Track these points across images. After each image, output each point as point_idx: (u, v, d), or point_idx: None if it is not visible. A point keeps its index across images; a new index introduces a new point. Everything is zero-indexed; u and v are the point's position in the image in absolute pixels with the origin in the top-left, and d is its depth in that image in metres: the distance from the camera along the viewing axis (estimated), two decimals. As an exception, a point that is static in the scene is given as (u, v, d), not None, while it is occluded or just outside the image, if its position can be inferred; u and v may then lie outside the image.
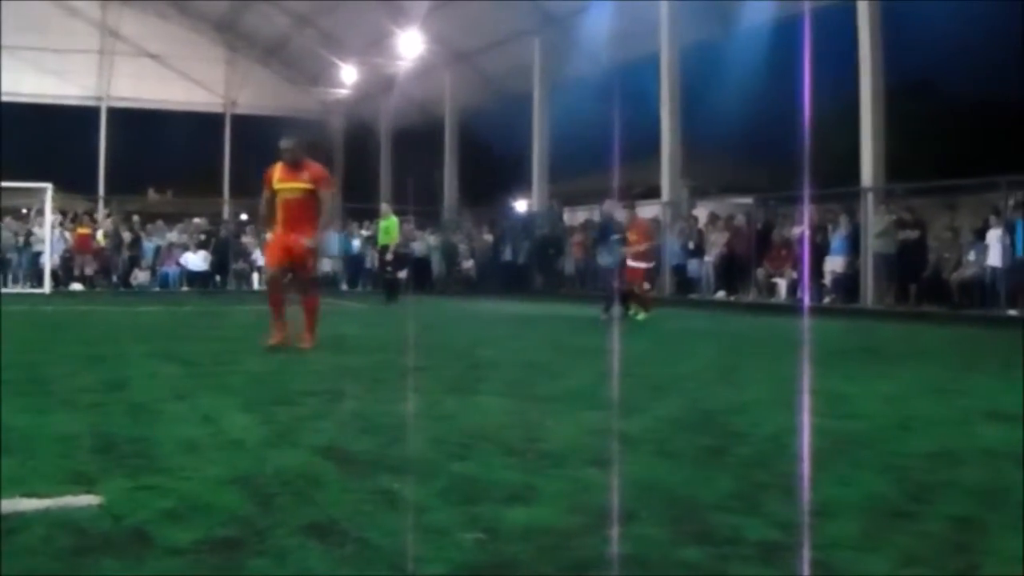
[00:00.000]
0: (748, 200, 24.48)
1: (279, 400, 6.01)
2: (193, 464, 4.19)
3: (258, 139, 37.53)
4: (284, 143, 9.74)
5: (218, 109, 38.65)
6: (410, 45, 31.15)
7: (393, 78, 35.11)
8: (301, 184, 9.63)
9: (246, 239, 29.94)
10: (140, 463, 4.17)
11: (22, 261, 26.33)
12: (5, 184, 24.31)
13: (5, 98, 32.01)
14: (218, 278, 28.86)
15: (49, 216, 25.27)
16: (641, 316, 15.70)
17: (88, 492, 3.66)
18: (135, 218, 29.65)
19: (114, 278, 27.52)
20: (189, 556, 2.95)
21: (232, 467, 4.13)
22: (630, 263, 15.70)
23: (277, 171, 9.75)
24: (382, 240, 21.75)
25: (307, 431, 5.01)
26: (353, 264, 30.30)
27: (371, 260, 28.53)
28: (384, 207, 22.36)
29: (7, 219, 27.58)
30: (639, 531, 3.29)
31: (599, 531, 3.28)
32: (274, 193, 9.73)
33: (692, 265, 23.73)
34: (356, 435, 4.91)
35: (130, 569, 2.83)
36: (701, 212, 25.84)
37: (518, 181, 33.60)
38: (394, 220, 21.53)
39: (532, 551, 3.06)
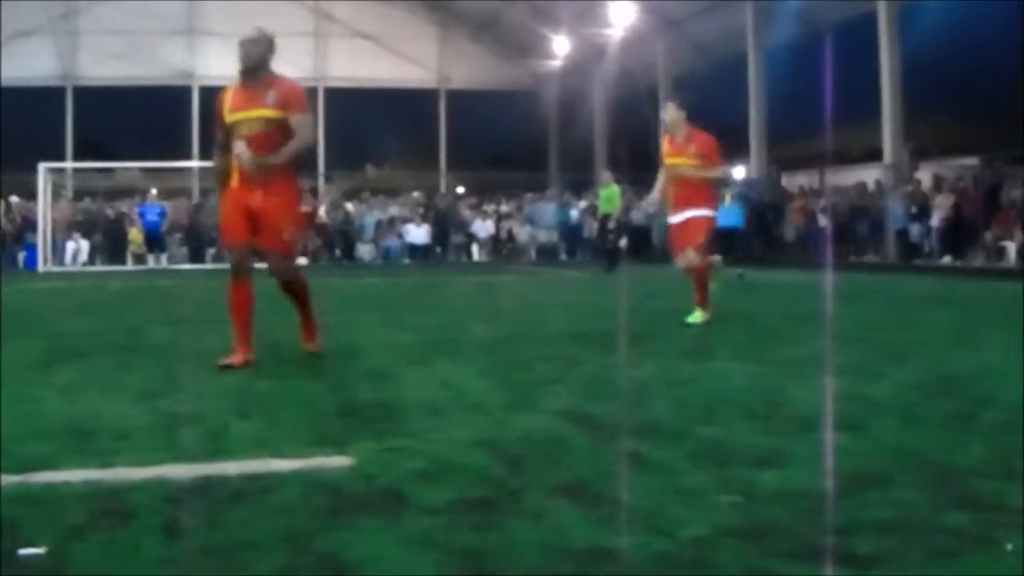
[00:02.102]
0: (973, 161, 23.23)
1: (513, 366, 6.01)
2: (438, 427, 4.21)
3: (472, 113, 38.20)
4: (242, 42, 6.37)
5: (432, 85, 39.35)
6: (621, 14, 30.91)
7: (605, 47, 34.91)
8: (264, 112, 6.23)
9: (464, 211, 30.49)
10: (385, 426, 4.21)
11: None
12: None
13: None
14: (439, 250, 29.46)
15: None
16: (696, 317, 8.74)
17: (338, 454, 3.70)
18: (363, 194, 30.60)
19: (337, 252, 28.43)
20: (445, 516, 2.94)
21: (476, 430, 4.13)
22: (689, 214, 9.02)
23: (229, 96, 6.42)
24: (603, 208, 21.68)
25: (546, 395, 4.97)
26: (571, 234, 30.38)
27: (589, 230, 28.52)
28: (605, 175, 22.30)
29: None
30: (897, 495, 3.13)
31: (856, 495, 3.12)
32: (227, 129, 6.35)
33: (915, 230, 22.68)
34: (595, 399, 4.84)
35: (388, 527, 2.83)
36: (924, 175, 24.66)
37: (734, 147, 32.92)
38: (615, 188, 21.45)
39: (790, 514, 2.94)
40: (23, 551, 2.68)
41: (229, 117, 6.30)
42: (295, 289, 6.47)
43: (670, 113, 9.08)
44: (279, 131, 6.23)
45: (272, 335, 7.16)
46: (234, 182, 6.29)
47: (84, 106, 34.19)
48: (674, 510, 2.98)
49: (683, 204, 8.98)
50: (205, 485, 3.31)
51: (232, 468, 3.53)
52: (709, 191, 9.17)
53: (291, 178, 6.44)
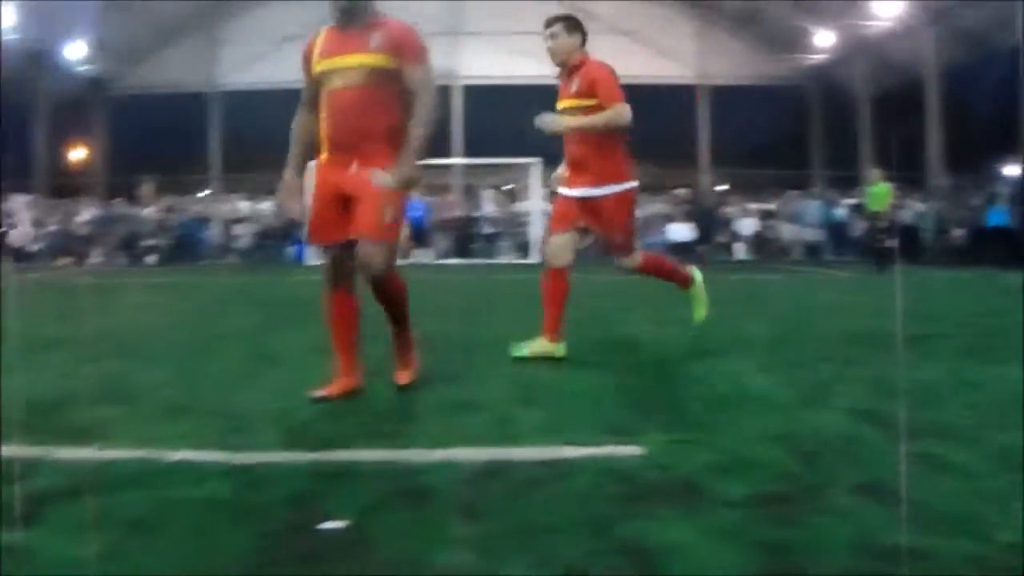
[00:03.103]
0: None
1: (794, 363, 5.84)
2: (726, 421, 4.14)
3: (733, 109, 37.61)
4: None
5: (691, 81, 39.00)
6: (887, 6, 29.80)
7: (869, 40, 33.69)
8: (369, 59, 4.75)
9: (727, 209, 30.08)
10: (671, 418, 4.17)
11: (508, 234, 28.08)
12: (494, 160, 25.94)
13: (480, 81, 34.36)
14: (701, 248, 29.16)
15: (537, 190, 26.68)
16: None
17: (628, 444, 3.68)
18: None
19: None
20: (744, 509, 2.89)
21: (766, 425, 4.02)
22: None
23: (320, 41, 4.93)
24: (873, 207, 20.91)
25: (832, 393, 4.81)
26: (837, 233, 29.46)
27: (856, 229, 27.59)
28: (874, 172, 21.48)
29: (491, 193, 29.48)
30: None
31: None
32: (316, 83, 4.90)
33: None
34: (882, 398, 4.64)
35: (686, 518, 2.79)
36: None
37: (1006, 141, 31.08)
38: (885, 186, 20.63)
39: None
40: (324, 525, 2.78)
41: (317, 66, 4.84)
42: (390, 293, 4.86)
43: (558, 42, 6.46)
44: (388, 84, 4.73)
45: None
46: (323, 154, 4.84)
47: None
48: (984, 514, 2.83)
49: (591, 172, 6.29)
50: (497, 469, 3.36)
51: (523, 454, 3.57)
52: (621, 151, 6.42)
53: (394, 145, 4.70)
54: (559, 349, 6.08)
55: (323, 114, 4.78)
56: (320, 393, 4.69)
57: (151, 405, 4.58)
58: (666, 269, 6.70)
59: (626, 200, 6.33)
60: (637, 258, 6.42)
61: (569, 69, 6.37)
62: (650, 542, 2.57)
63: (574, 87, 6.29)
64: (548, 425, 4.11)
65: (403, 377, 5.04)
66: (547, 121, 6.03)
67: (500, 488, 3.13)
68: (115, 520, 2.82)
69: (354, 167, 4.69)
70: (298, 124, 5.00)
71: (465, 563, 2.44)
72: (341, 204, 4.73)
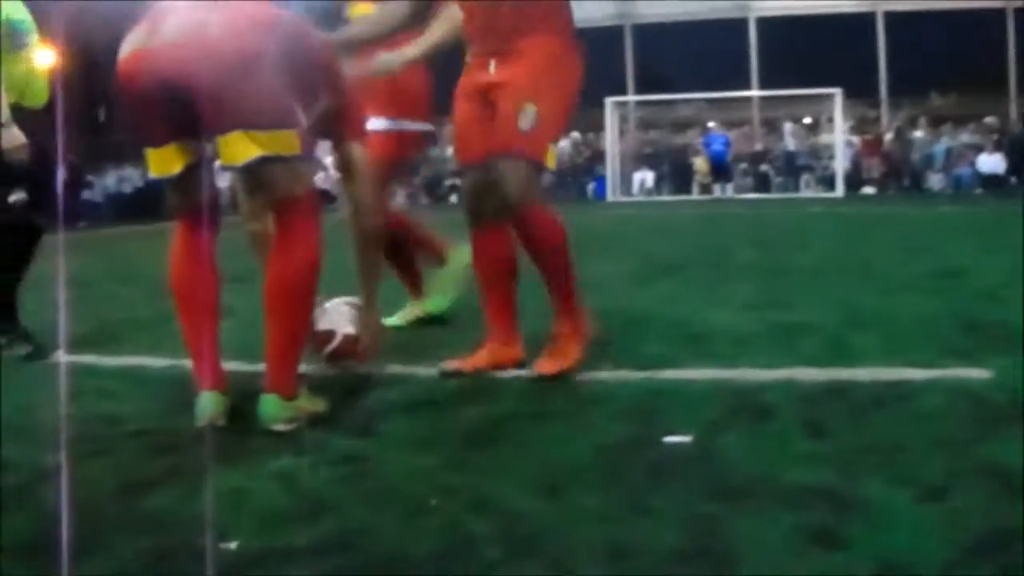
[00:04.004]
0: None
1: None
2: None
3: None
4: None
5: (998, 5, 36.38)
6: None
7: None
8: None
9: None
10: (1009, 344, 3.89)
11: (810, 168, 27.26)
12: (794, 92, 25.22)
13: (774, 12, 33.32)
14: (1013, 180, 27.34)
15: (840, 122, 25.75)
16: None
17: (972, 366, 3.49)
18: (921, 120, 29.16)
19: (905, 182, 27.31)
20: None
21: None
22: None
23: None
24: None
25: None
26: None
27: None
28: None
29: (791, 126, 28.65)
30: None
31: None
32: None
33: None
34: None
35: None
36: None
37: None
38: None
39: None
40: (668, 438, 2.76)
41: None
42: (531, 235, 3.62)
43: None
44: None
45: (865, 259, 6.96)
46: (469, 57, 3.78)
47: (642, 43, 35.39)
48: None
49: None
50: (838, 389, 3.26)
51: (863, 374, 3.44)
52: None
53: (549, 39, 3.63)
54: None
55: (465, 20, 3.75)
56: (453, 366, 3.71)
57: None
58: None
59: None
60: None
61: None
62: (1011, 464, 2.41)
63: None
64: (883, 348, 3.95)
65: (544, 364, 3.62)
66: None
67: (844, 408, 3.02)
68: (456, 433, 2.92)
69: (503, 72, 3.61)
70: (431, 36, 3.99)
71: (818, 480, 2.36)
72: (483, 115, 3.67)
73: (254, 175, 3.08)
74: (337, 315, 3.73)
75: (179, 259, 3.23)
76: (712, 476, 2.44)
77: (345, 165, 3.72)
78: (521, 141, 3.49)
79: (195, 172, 3.13)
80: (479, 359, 3.73)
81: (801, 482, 2.35)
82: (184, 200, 3.19)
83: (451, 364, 3.71)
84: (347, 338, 3.70)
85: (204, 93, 2.89)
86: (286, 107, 3.01)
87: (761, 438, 2.74)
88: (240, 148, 2.94)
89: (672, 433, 2.80)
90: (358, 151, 3.69)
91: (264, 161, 2.96)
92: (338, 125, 3.56)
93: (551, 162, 3.60)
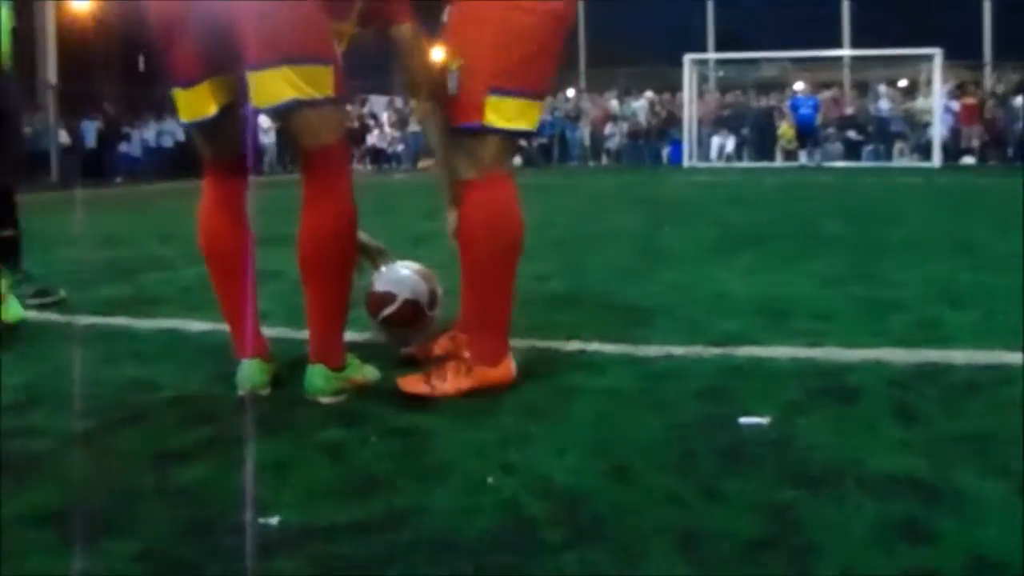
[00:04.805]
0: None
1: None
2: None
3: None
4: None
5: None
6: None
7: None
8: None
9: None
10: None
11: (905, 134, 26.85)
12: (890, 52, 24.88)
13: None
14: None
15: (938, 86, 25.34)
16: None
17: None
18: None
19: (1007, 151, 26.83)
20: None
21: None
22: None
23: None
24: None
25: None
26: None
27: None
28: None
29: (885, 89, 28.25)
30: None
31: None
32: None
33: None
34: None
35: None
36: None
37: None
38: None
39: None
40: (745, 419, 2.74)
41: None
42: (482, 219, 3.15)
43: None
44: None
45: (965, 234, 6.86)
46: None
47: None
48: None
49: None
50: (930, 372, 3.23)
51: (957, 357, 3.40)
52: None
53: None
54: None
55: None
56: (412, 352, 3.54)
57: (538, 297, 4.70)
58: None
59: None
60: None
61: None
62: None
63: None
64: (979, 329, 3.92)
65: (408, 382, 3.08)
66: None
67: (935, 392, 2.98)
68: (516, 406, 2.92)
69: None
70: None
71: (906, 468, 2.33)
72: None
73: (285, 119, 3.01)
74: (399, 278, 3.70)
75: (211, 216, 3.19)
76: (791, 461, 2.42)
77: (402, 47, 3.27)
78: (456, 109, 3.13)
79: (230, 116, 3.06)
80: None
81: (887, 470, 2.32)
82: (218, 149, 3.15)
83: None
84: (408, 304, 3.65)
85: (239, 20, 2.84)
86: (322, 37, 2.93)
87: (845, 422, 2.71)
88: (274, 88, 2.87)
89: (749, 414, 2.78)
90: (409, 29, 3.26)
91: (298, 105, 2.89)
92: (383, 8, 3.26)
93: (504, 118, 3.08)
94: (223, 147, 3.14)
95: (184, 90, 3.03)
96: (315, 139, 2.97)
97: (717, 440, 2.58)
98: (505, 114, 3.07)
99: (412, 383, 3.07)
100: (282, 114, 2.98)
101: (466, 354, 3.19)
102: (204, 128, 3.10)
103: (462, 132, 3.13)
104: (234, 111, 3.07)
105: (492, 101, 3.06)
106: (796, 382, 3.14)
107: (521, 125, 3.13)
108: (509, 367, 3.16)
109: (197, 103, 3.03)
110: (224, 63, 2.96)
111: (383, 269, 3.70)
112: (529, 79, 3.12)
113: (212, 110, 3.03)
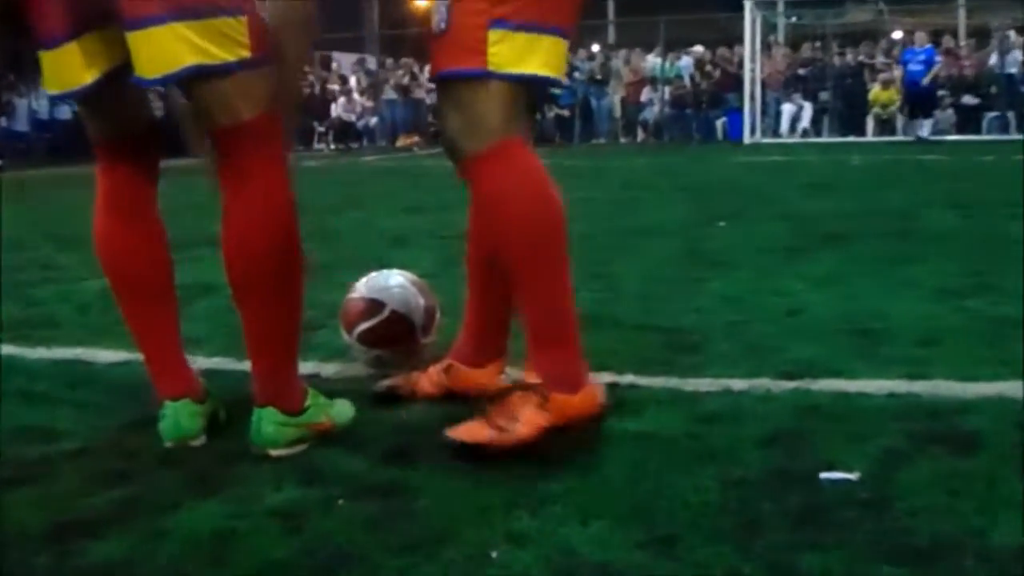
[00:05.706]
0: None
1: None
2: None
3: None
4: None
5: None
6: None
7: None
8: None
9: None
10: None
11: None
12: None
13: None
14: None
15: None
16: None
17: None
18: None
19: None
20: None
21: None
22: None
23: None
24: None
25: None
26: None
27: None
28: None
29: (1016, 37, 28.26)
30: None
31: None
32: None
33: None
34: None
35: None
36: None
37: None
38: None
39: None
40: (827, 474, 2.76)
41: None
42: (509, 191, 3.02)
43: None
44: None
45: None
46: None
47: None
48: None
49: None
50: (1071, 410, 3.24)
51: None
52: None
53: None
54: None
55: None
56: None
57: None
58: None
59: None
60: None
61: None
62: None
63: None
64: None
65: (466, 431, 2.98)
66: None
67: (1080, 437, 3.01)
68: (527, 457, 2.91)
69: None
70: None
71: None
72: None
73: (186, 93, 2.86)
74: (387, 286, 3.67)
75: (106, 217, 3.10)
76: (889, 530, 2.43)
77: None
78: (445, 53, 2.98)
79: (118, 85, 2.91)
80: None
81: (1016, 543, 2.34)
82: (106, 128, 3.04)
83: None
84: (395, 319, 3.63)
85: None
86: None
87: (959, 478, 2.72)
88: (165, 52, 2.71)
89: (833, 468, 2.80)
90: None
91: (201, 73, 2.75)
92: None
93: (514, 60, 2.91)
94: (113, 125, 3.05)
95: (49, 52, 2.91)
96: (230, 116, 2.84)
97: (790, 502, 2.60)
98: (515, 54, 2.88)
99: (472, 431, 2.93)
100: (181, 86, 2.86)
101: (533, 379, 3.05)
102: (83, 101, 3.02)
103: (455, 83, 2.95)
104: (122, 79, 2.91)
105: (496, 37, 2.88)
106: (895, 426, 3.15)
107: (539, 70, 2.93)
108: (593, 393, 3.09)
109: (66, 69, 2.90)
110: (97, 15, 2.84)
111: (371, 274, 3.70)
112: (546, 6, 2.92)
113: (86, 78, 2.90)
